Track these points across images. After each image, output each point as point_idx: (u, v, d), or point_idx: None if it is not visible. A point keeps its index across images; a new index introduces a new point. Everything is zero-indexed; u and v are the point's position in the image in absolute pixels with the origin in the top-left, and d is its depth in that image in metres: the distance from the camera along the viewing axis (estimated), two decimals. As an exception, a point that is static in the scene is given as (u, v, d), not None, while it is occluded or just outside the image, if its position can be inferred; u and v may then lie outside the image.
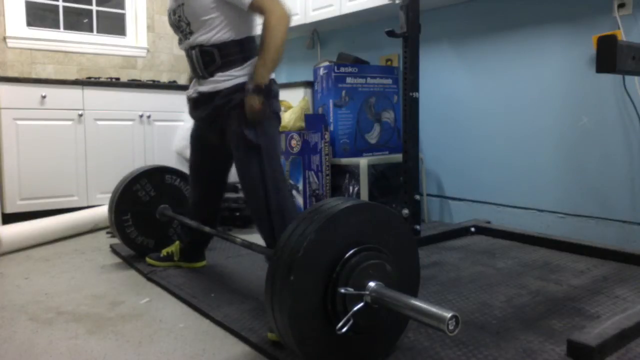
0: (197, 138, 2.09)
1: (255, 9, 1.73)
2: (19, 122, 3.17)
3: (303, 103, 3.31)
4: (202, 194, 2.15)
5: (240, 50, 1.82)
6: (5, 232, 2.58)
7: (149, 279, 2.12)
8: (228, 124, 1.82)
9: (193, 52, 1.85)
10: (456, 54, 3.09)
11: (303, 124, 3.16)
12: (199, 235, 2.19)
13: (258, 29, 1.84)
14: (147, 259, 2.28)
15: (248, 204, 1.85)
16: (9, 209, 3.15)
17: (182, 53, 1.97)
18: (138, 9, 4.23)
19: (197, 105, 1.94)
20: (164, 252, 2.27)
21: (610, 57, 1.42)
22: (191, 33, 1.84)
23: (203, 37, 1.80)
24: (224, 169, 2.12)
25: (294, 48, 4.23)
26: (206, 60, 1.83)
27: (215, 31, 1.79)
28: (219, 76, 1.82)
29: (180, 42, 1.93)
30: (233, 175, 2.25)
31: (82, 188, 3.38)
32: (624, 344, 1.41)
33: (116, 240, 2.46)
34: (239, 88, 1.79)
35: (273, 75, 1.85)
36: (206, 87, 1.86)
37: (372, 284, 1.22)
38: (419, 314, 1.12)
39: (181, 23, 1.85)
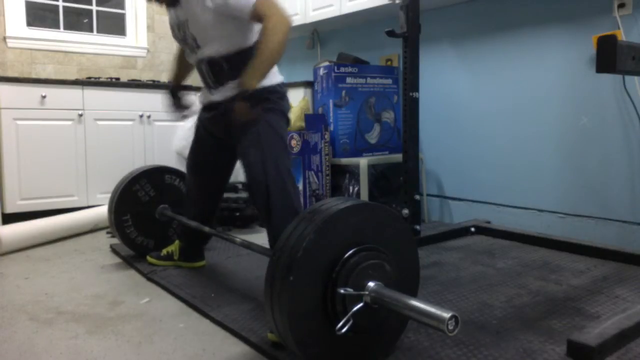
0: (202, 136, 2.09)
1: (256, 17, 1.69)
2: (19, 122, 3.17)
3: (303, 103, 3.31)
4: (202, 191, 2.15)
5: (249, 57, 1.80)
6: (5, 232, 2.58)
7: (149, 279, 2.12)
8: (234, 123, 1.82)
9: (202, 65, 1.87)
10: (456, 54, 3.09)
11: (303, 124, 3.16)
12: (197, 235, 2.19)
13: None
14: (148, 258, 2.29)
15: (253, 201, 1.85)
16: (9, 209, 3.15)
17: None
18: (138, 9, 4.23)
19: (208, 110, 1.98)
20: (164, 251, 2.28)
21: (610, 57, 1.42)
22: (198, 47, 1.85)
23: (211, 50, 1.82)
24: (227, 169, 2.13)
25: (294, 48, 4.23)
26: (216, 71, 1.84)
27: (222, 43, 1.80)
28: (230, 84, 1.83)
29: (188, 54, 1.95)
30: (233, 176, 2.26)
31: (82, 188, 3.38)
32: (624, 344, 1.41)
33: (116, 240, 2.46)
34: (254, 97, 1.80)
35: (281, 78, 1.87)
36: (218, 95, 1.88)
37: (371, 284, 1.21)
38: (418, 314, 1.12)
39: (187, 38, 1.87)
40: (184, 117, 2.21)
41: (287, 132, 1.91)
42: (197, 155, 2.12)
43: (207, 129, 2.03)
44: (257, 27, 1.84)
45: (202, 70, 1.90)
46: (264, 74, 1.70)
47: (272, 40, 1.64)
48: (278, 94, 1.84)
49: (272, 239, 1.75)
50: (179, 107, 2.16)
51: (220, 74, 1.84)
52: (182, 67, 2.18)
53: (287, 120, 1.89)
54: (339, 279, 1.20)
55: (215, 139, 2.02)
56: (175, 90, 2.16)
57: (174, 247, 2.25)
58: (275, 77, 1.85)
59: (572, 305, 1.72)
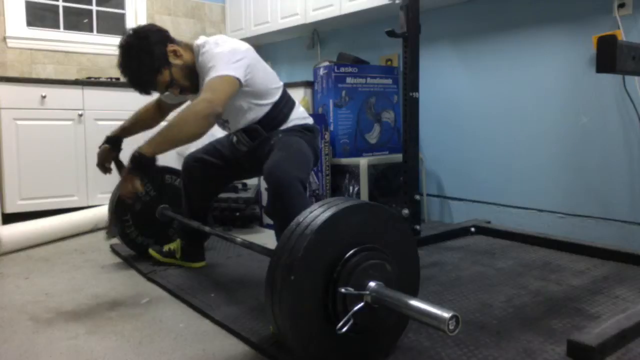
0: (226, 144, 2.11)
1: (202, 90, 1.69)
2: (19, 122, 3.17)
3: (303, 103, 3.31)
4: (203, 195, 2.20)
5: (278, 110, 1.91)
6: (5, 232, 2.57)
7: (149, 279, 2.12)
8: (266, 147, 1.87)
9: (238, 133, 1.96)
10: (456, 54, 3.09)
11: (303, 124, 3.16)
12: (197, 234, 2.19)
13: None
14: (150, 251, 2.28)
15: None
16: (9, 209, 3.15)
17: None
18: (138, 9, 4.23)
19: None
20: (166, 247, 2.28)
21: (610, 57, 1.42)
22: (227, 122, 1.94)
23: (242, 122, 1.90)
24: (229, 177, 2.22)
25: (294, 48, 4.23)
26: (252, 135, 1.92)
27: (250, 113, 1.88)
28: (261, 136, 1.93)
29: (222, 127, 2.03)
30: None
31: (82, 188, 3.38)
32: (624, 344, 1.40)
33: (116, 240, 2.46)
34: (284, 130, 1.90)
35: (310, 120, 1.97)
36: (248, 147, 1.97)
37: (372, 283, 1.21)
38: (419, 314, 1.12)
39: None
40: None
41: (313, 164, 1.94)
42: (213, 146, 2.15)
43: (232, 146, 2.07)
44: (274, 81, 1.92)
45: (237, 136, 1.98)
46: (161, 147, 1.67)
47: (181, 121, 1.63)
48: (312, 133, 1.98)
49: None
50: (107, 163, 2.10)
51: (258, 136, 1.91)
52: (139, 125, 2.18)
53: (317, 156, 1.96)
54: (340, 278, 1.20)
55: (237, 156, 2.06)
56: (117, 141, 2.11)
57: (175, 245, 2.25)
58: (309, 119, 2.01)
59: (572, 305, 1.72)
